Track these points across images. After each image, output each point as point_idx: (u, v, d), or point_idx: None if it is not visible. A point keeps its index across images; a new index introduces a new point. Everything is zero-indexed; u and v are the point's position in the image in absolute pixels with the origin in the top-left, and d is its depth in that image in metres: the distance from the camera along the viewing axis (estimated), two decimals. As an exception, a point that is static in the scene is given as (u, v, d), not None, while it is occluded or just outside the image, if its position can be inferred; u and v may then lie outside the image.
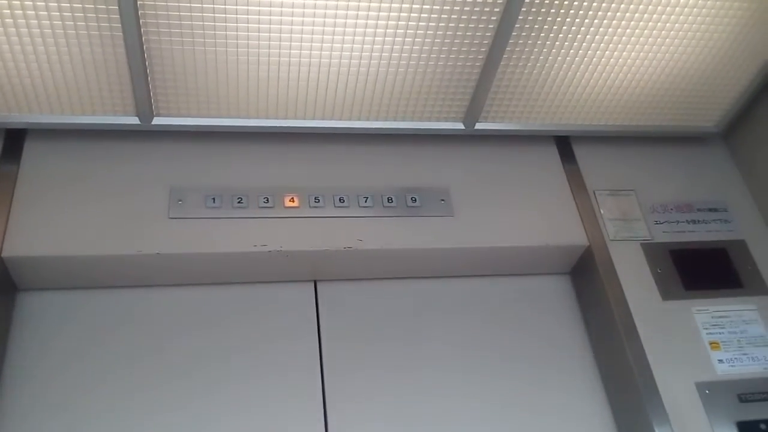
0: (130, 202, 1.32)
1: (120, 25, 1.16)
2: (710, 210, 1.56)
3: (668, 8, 1.31)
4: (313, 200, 1.38)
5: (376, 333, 1.40)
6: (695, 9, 1.32)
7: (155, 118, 1.34)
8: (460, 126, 1.49)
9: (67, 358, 1.27)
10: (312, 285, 1.44)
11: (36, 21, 1.14)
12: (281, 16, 1.19)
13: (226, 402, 1.27)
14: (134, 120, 1.33)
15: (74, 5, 1.13)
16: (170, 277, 1.35)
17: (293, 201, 1.37)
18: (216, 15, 1.18)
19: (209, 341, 1.33)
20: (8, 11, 1.12)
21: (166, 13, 1.16)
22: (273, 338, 1.36)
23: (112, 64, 1.23)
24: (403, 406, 1.33)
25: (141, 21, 1.16)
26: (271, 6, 1.17)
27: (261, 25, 1.21)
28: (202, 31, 1.20)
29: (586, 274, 1.48)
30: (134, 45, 1.18)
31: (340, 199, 1.40)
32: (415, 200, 1.43)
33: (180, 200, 1.33)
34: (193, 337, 1.33)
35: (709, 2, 1.31)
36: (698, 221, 1.54)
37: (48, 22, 1.15)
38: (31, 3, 1.12)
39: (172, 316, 1.35)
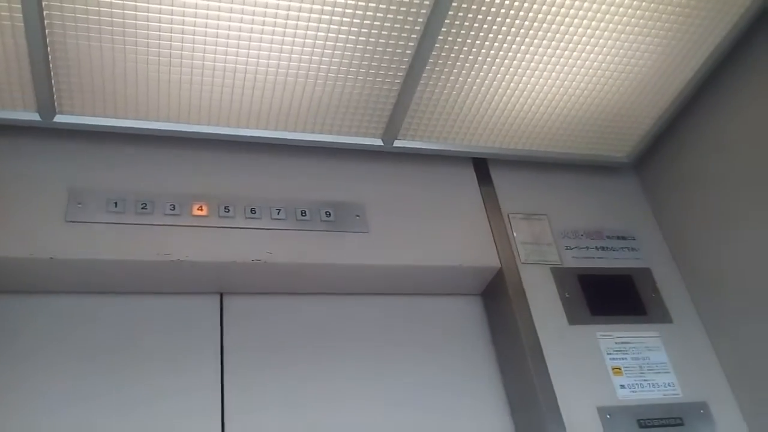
0: (26, 202, 1.24)
1: (21, 15, 1.10)
2: (619, 238, 1.60)
3: (584, 38, 1.34)
4: (223, 210, 1.34)
5: (282, 349, 1.37)
6: (610, 41, 1.36)
7: (57, 116, 1.27)
8: (379, 142, 1.48)
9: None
10: (218, 298, 1.39)
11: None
12: (195, 17, 1.16)
13: (120, 414, 1.20)
14: (35, 116, 1.26)
15: (-29, -10, 1.07)
16: (67, 284, 1.28)
17: (201, 209, 1.33)
18: (126, 12, 1.13)
19: (105, 353, 1.26)
20: None
21: (72, 5, 1.11)
22: (173, 352, 1.30)
23: (12, 55, 1.17)
24: (305, 425, 1.29)
25: (45, 12, 1.11)
26: (184, 6, 1.14)
27: (174, 26, 1.16)
28: (110, 28, 1.15)
29: (497, 296, 1.48)
30: (36, 37, 1.12)
31: (251, 210, 1.36)
32: (330, 215, 1.41)
33: (79, 203, 1.26)
34: (88, 348, 1.26)
35: (623, 36, 1.35)
36: (607, 248, 1.57)
37: (-59, 5, 1.08)
38: None
39: (67, 325, 1.27)
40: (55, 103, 1.25)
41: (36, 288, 1.28)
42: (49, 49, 1.16)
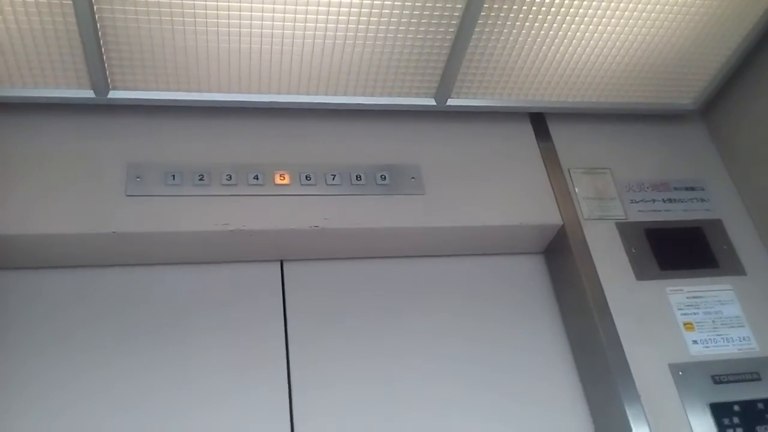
0: (86, 179, 1.27)
1: (68, -7, 1.10)
2: (687, 189, 1.53)
3: (644, -20, 1.27)
4: (279, 178, 1.34)
5: (343, 314, 1.37)
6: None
7: (111, 92, 1.28)
8: (432, 102, 1.45)
9: (24, 337, 1.22)
10: (278, 265, 1.40)
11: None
12: (241, -17, 1.14)
13: (187, 384, 1.23)
14: (89, 93, 1.28)
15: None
16: (129, 257, 1.31)
17: (257, 179, 1.33)
18: (171, -18, 1.12)
19: (170, 322, 1.29)
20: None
21: (118, -20, 1.11)
22: (238, 319, 1.32)
23: (63, 35, 1.18)
24: (369, 388, 1.29)
25: (91, -11, 1.11)
26: (229, -27, 1.12)
27: (220, -6, 1.15)
28: (158, 0, 1.14)
29: (560, 254, 1.45)
30: (85, 14, 1.13)
31: (306, 177, 1.35)
32: (385, 178, 1.39)
33: (138, 177, 1.28)
34: (153, 317, 1.29)
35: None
36: (674, 200, 1.51)
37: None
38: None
39: (130, 297, 1.30)
40: (108, 80, 1.26)
41: (99, 262, 1.31)
42: (98, 25, 1.17)
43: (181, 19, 1.18)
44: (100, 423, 1.17)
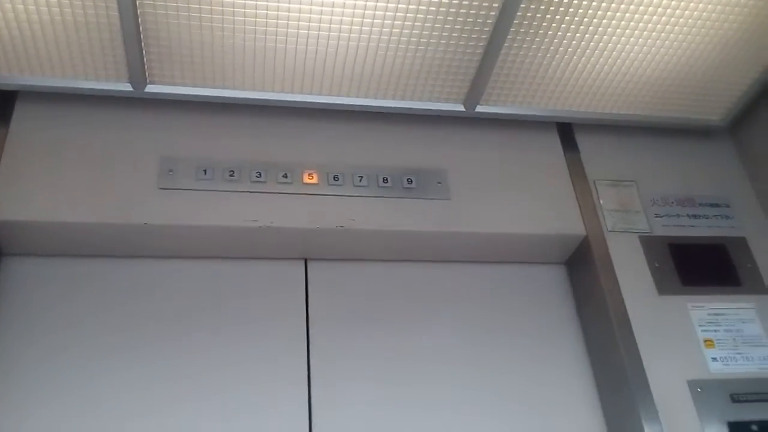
0: (120, 171, 1.29)
1: (112, -14, 1.13)
2: (712, 205, 1.53)
3: (678, -2, 1.28)
4: (307, 177, 1.36)
5: (365, 315, 1.38)
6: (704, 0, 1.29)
7: (148, 86, 1.31)
8: (461, 108, 1.45)
9: (49, 324, 1.25)
10: (302, 263, 1.42)
11: (27, -21, 1.11)
12: (280, -16, 1.16)
13: (207, 377, 1.25)
14: (127, 86, 1.30)
15: (66, -36, 1.10)
16: (158, 248, 1.33)
17: (287, 177, 1.34)
18: (213, -19, 1.14)
19: (195, 315, 1.31)
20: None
21: (161, -24, 1.13)
22: (260, 315, 1.33)
23: (105, 27, 1.20)
24: (388, 390, 1.30)
25: (135, -17, 1.13)
26: (270, -26, 1.14)
27: (260, -6, 1.17)
28: (199, -3, 1.17)
29: (583, 265, 1.45)
30: (127, 8, 1.15)
31: (334, 177, 1.37)
32: (411, 182, 1.40)
33: (170, 170, 1.30)
34: (178, 309, 1.31)
35: (717, -9, 1.28)
36: (699, 216, 1.51)
37: (40, -20, 1.12)
38: (22, -40, 1.09)
39: (158, 289, 1.32)
40: (146, 74, 1.29)
41: (130, 252, 1.33)
42: (140, 20, 1.19)
43: (221, 17, 1.20)
44: (120, 407, 1.19)
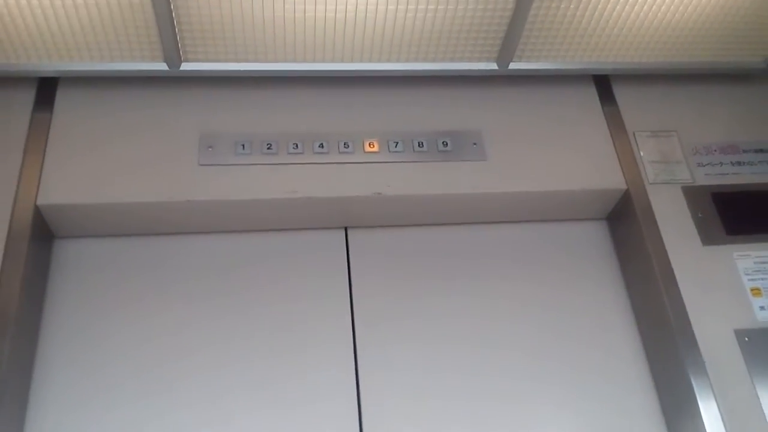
0: (161, 150, 1.32)
1: (142, -33, 1.14)
2: (756, 151, 1.49)
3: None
4: (342, 146, 1.37)
5: (407, 280, 1.40)
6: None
7: (183, 64, 1.32)
8: (494, 66, 1.44)
9: (101, 304, 1.29)
10: (343, 232, 1.44)
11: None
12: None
13: (255, 347, 1.29)
14: (162, 66, 1.32)
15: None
16: (201, 224, 1.36)
17: (323, 147, 1.36)
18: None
19: (240, 288, 1.35)
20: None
21: (188, -46, 1.13)
22: (304, 285, 1.36)
23: (138, 8, 1.21)
24: (433, 353, 1.33)
25: (163, -37, 1.14)
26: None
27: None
28: (226, -27, 1.17)
29: (624, 220, 1.44)
30: (158, -12, 1.16)
31: (369, 144, 1.38)
32: (447, 144, 1.40)
33: (210, 147, 1.33)
34: (224, 283, 1.35)
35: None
36: (743, 163, 1.47)
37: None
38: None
39: (203, 264, 1.36)
40: (181, 52, 1.30)
41: (172, 230, 1.37)
42: (170, -1, 1.20)
43: (249, -9, 1.20)
44: (171, 383, 1.24)
